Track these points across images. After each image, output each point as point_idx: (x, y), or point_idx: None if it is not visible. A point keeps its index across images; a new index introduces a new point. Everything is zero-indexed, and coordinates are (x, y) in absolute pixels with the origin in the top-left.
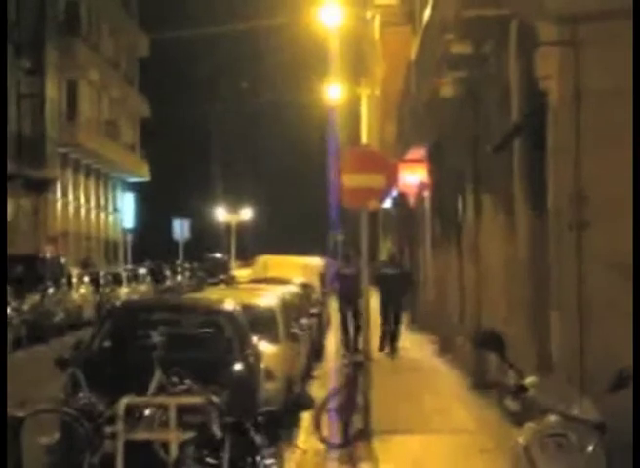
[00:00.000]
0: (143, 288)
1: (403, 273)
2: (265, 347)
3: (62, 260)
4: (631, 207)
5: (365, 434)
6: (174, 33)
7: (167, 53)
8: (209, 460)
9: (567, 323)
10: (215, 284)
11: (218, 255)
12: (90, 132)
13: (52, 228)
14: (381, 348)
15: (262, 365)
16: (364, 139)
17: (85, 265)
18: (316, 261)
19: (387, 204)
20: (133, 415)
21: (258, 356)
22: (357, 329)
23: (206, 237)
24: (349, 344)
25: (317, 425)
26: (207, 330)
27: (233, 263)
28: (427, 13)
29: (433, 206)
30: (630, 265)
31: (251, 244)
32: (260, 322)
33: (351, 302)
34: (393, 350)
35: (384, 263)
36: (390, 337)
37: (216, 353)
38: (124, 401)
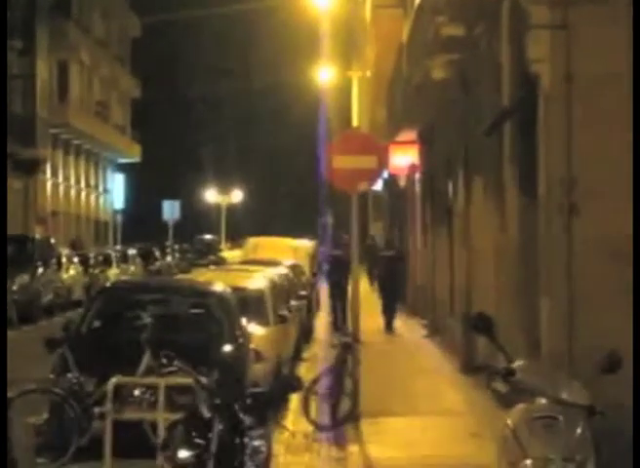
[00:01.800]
0: (133, 269)
1: (397, 254)
2: (255, 329)
3: (52, 241)
4: (621, 191)
5: (353, 416)
6: (166, 15)
7: (159, 34)
8: (197, 441)
9: (556, 307)
10: (204, 265)
11: (207, 237)
12: (80, 112)
13: (42, 209)
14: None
15: (251, 346)
16: (355, 122)
17: (74, 246)
18: (306, 243)
19: (378, 186)
20: (122, 396)
21: (247, 337)
22: (343, 310)
23: (196, 218)
24: (338, 326)
25: (306, 407)
26: (196, 311)
27: (223, 245)
28: None
29: (424, 188)
30: (619, 250)
31: (241, 225)
32: (250, 304)
33: (341, 284)
34: (389, 327)
35: (375, 244)
36: (387, 316)
37: (205, 334)
38: (113, 381)
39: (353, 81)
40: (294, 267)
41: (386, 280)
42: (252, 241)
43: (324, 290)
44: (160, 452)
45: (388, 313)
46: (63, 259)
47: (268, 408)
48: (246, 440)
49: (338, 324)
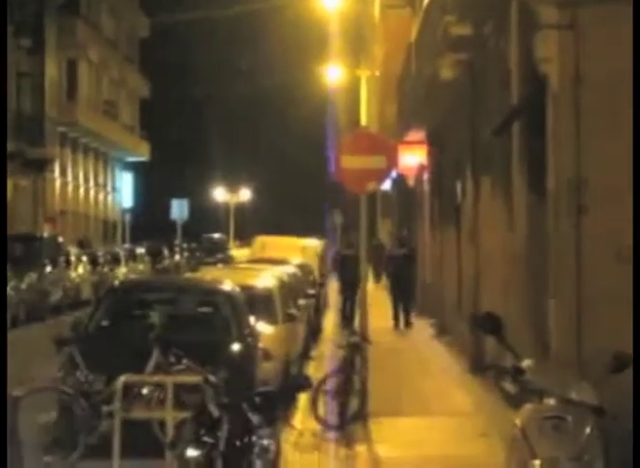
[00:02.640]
0: (141, 267)
1: (409, 252)
2: (263, 327)
3: (60, 240)
4: (631, 192)
5: (362, 415)
6: (175, 15)
7: (168, 34)
8: (206, 439)
9: (564, 307)
10: (212, 264)
11: (216, 236)
12: (89, 111)
13: (50, 207)
14: (397, 326)
15: (260, 345)
16: (363, 121)
17: (82, 245)
18: (314, 242)
19: (386, 186)
20: (130, 394)
21: (255, 336)
22: (352, 309)
23: (204, 217)
24: (347, 325)
25: (314, 406)
26: (205, 310)
27: (231, 243)
28: None
29: (432, 188)
30: (629, 250)
31: (249, 224)
32: (258, 302)
33: (350, 283)
34: (407, 324)
35: (392, 244)
36: (404, 313)
37: (213, 333)
38: (121, 379)
39: (362, 80)
40: (302, 266)
41: (398, 279)
42: (260, 240)
43: (333, 288)
44: (168, 451)
45: (402, 311)
46: (72, 258)
47: (277, 406)
48: (254, 438)
49: (346, 321)
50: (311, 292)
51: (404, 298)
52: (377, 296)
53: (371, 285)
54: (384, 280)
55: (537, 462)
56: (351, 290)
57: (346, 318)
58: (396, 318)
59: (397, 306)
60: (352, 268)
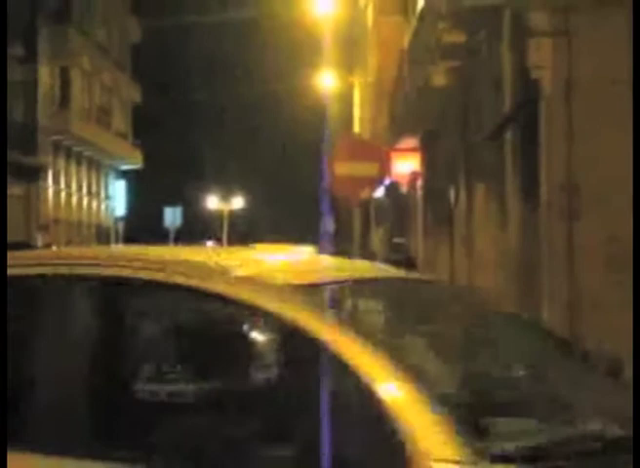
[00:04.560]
0: None
1: (407, 257)
2: None
3: (54, 248)
4: (623, 196)
5: None
6: (167, 21)
7: (160, 40)
8: None
9: (557, 313)
10: None
11: (209, 243)
12: (82, 119)
13: (43, 216)
14: None
15: None
16: (356, 128)
17: None
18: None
19: (379, 192)
20: None
21: None
22: None
23: (198, 225)
24: None
25: None
26: None
27: None
28: (421, 1)
29: (425, 195)
30: (620, 256)
31: (243, 232)
32: None
33: None
34: None
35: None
36: None
37: None
38: None
39: (355, 87)
40: None
41: None
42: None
43: None
44: None
45: None
46: None
47: None
48: None
49: None
50: None
51: None
52: None
53: None
54: None
55: None
56: None
57: None
58: None
59: None
60: None
